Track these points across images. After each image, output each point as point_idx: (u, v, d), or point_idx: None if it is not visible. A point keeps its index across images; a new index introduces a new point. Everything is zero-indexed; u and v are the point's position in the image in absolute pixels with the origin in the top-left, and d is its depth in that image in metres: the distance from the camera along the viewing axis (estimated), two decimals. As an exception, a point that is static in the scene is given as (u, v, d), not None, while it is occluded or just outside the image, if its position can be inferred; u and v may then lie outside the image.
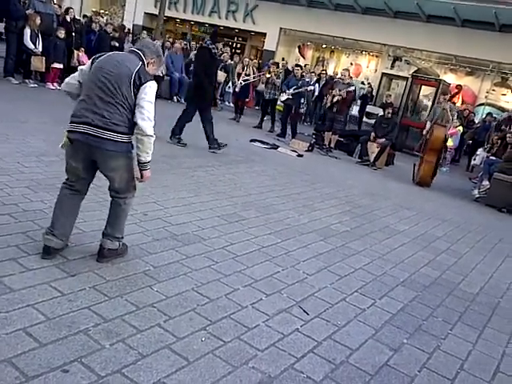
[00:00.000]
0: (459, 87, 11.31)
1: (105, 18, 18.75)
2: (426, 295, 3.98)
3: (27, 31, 9.92)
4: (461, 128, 13.09)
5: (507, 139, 9.92)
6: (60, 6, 13.71)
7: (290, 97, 11.17)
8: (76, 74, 3.25)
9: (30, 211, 3.83)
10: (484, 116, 14.54)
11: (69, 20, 11.43)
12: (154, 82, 3.13)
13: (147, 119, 3.07)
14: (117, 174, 3.16)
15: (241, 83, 12.89)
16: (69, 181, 3.23)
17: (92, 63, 3.13)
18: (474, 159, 12.13)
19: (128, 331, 2.62)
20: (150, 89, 3.07)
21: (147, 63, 3.19)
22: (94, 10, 23.64)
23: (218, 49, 7.95)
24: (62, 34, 10.59)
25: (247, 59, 15.17)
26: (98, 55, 3.18)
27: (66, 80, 3.32)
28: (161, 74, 13.09)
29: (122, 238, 3.42)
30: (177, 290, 3.16)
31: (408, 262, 4.70)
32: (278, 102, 12.55)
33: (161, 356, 2.47)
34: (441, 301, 3.94)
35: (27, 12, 10.01)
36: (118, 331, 2.60)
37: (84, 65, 3.33)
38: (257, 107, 15.23)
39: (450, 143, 12.17)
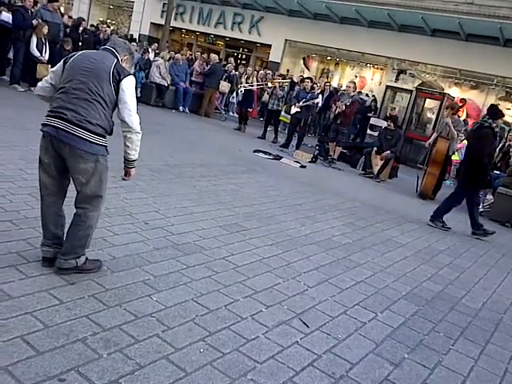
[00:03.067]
0: (463, 101, 11.26)
1: (111, 27, 18.91)
2: (427, 309, 3.94)
3: (33, 39, 10.04)
4: (466, 141, 13.06)
5: (510, 153, 9.90)
6: (70, 17, 13.79)
7: (299, 110, 11.24)
8: (48, 77, 3.17)
9: (32, 218, 3.82)
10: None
11: (80, 31, 11.61)
12: (132, 76, 3.11)
13: (134, 115, 3.06)
14: (83, 177, 3.00)
15: (241, 91, 13.01)
16: (44, 187, 3.10)
17: (64, 63, 3.06)
18: None
19: (126, 341, 2.60)
20: (130, 84, 3.06)
21: (121, 60, 3.15)
22: (101, 19, 23.88)
23: (498, 126, 7.11)
24: (68, 46, 10.74)
25: (250, 69, 15.31)
26: (69, 55, 3.12)
27: (39, 84, 3.22)
28: (166, 83, 13.22)
29: (83, 254, 3.16)
30: (176, 300, 3.14)
31: (410, 275, 4.66)
32: (282, 113, 12.63)
33: (158, 367, 2.45)
34: (443, 315, 3.90)
35: (34, 22, 10.09)
36: (116, 341, 2.58)
37: None
38: (261, 119, 15.28)
39: (455, 157, 12.15)
